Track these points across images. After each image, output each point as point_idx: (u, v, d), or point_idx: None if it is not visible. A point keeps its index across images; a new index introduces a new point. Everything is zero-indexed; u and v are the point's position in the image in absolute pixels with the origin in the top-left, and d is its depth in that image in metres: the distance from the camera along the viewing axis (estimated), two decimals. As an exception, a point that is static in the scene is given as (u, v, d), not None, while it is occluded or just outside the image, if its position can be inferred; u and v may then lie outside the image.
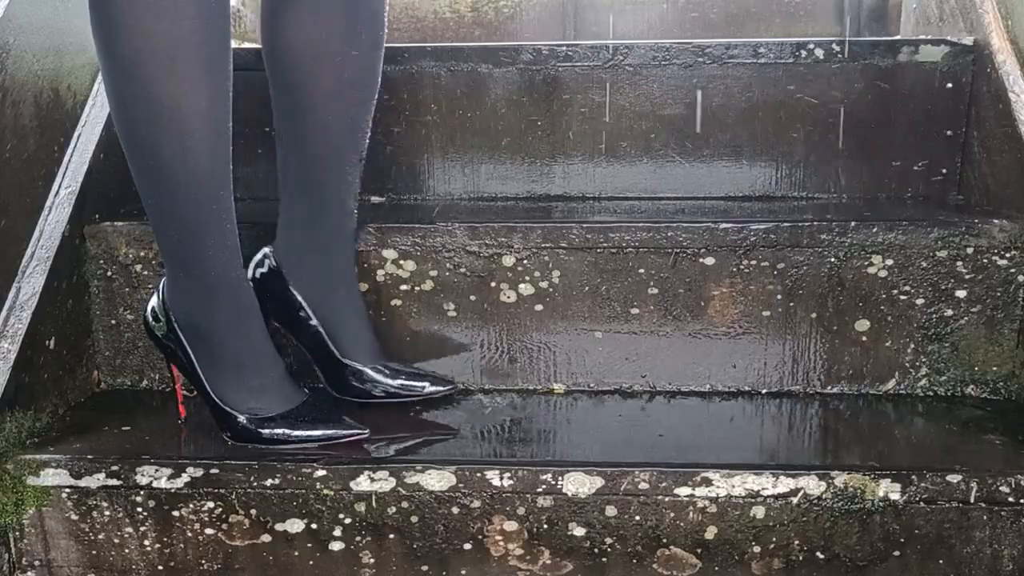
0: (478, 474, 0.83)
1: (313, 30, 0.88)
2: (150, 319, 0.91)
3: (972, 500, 0.81)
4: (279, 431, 0.87)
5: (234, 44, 1.67)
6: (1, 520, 0.86)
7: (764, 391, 1.01)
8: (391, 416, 0.95)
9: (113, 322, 1.03)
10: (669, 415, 0.96)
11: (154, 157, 0.81)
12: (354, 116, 0.92)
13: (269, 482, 0.85)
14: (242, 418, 0.87)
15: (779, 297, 0.99)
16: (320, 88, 0.90)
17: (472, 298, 1.01)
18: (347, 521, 0.86)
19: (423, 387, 0.98)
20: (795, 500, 0.82)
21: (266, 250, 0.96)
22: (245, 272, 0.89)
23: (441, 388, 0.99)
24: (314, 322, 0.95)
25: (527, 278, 1.00)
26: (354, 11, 0.90)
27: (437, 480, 0.84)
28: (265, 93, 1.20)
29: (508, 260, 0.99)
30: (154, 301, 0.91)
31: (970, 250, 0.96)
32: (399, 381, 0.97)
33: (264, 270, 0.95)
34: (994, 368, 0.99)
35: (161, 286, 0.90)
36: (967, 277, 0.97)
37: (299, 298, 0.94)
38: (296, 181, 0.93)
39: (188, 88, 0.79)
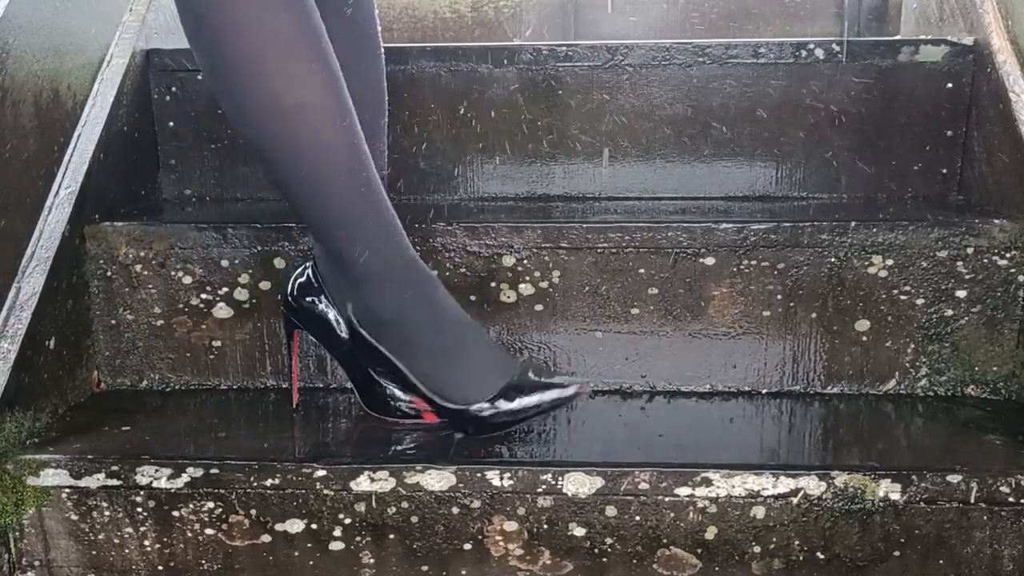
0: (478, 474, 0.83)
1: None
2: (344, 335, 0.90)
3: (972, 500, 0.81)
4: (505, 406, 0.85)
5: (234, 44, 1.66)
6: (1, 520, 0.86)
7: (764, 391, 1.01)
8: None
9: (113, 322, 1.03)
10: (669, 415, 0.96)
11: (295, 154, 0.80)
12: (367, 136, 0.91)
13: (269, 482, 0.85)
14: (481, 405, 0.85)
15: (779, 297, 0.99)
16: None
17: (472, 298, 1.01)
18: (347, 521, 0.86)
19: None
20: (795, 500, 0.82)
21: (308, 265, 0.93)
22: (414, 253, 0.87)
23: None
24: (347, 337, 0.92)
25: (527, 278, 1.00)
26: (351, 38, 0.89)
27: (437, 480, 0.84)
28: (265, 93, 1.20)
29: (508, 260, 0.99)
30: (338, 318, 0.90)
31: (970, 250, 0.96)
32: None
33: (304, 283, 0.93)
34: (994, 368, 0.99)
35: (349, 313, 0.88)
36: (967, 277, 0.97)
37: (336, 314, 0.92)
38: None
39: (313, 75, 0.79)
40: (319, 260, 0.92)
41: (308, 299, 0.92)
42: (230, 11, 0.77)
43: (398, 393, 0.92)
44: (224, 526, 0.87)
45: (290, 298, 0.92)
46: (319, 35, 0.80)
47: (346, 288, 0.88)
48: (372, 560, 0.86)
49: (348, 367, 0.93)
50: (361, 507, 0.85)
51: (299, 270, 0.93)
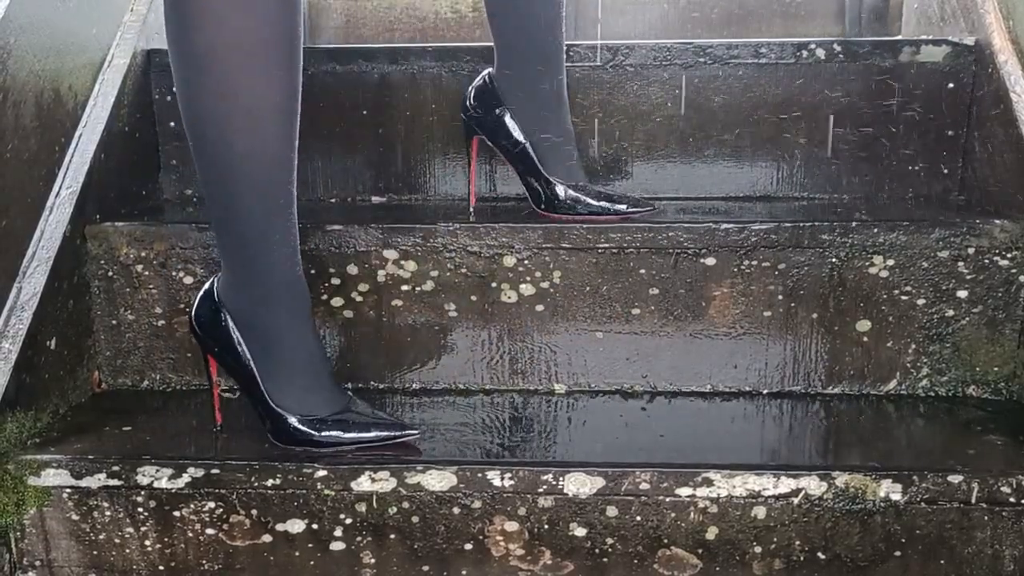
0: (479, 474, 0.83)
1: None
2: (198, 317, 0.89)
3: (973, 500, 0.81)
4: (332, 433, 0.86)
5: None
6: (2, 520, 0.86)
7: (765, 391, 1.01)
8: (391, 414, 0.95)
9: (114, 322, 1.03)
10: (670, 415, 0.96)
11: (227, 151, 0.80)
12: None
13: (270, 482, 0.85)
14: (294, 419, 0.86)
15: (780, 297, 0.99)
16: None
17: (473, 298, 1.01)
18: (348, 521, 0.86)
19: (622, 208, 1.02)
20: (796, 500, 0.82)
21: (489, 72, 1.05)
22: (301, 270, 0.87)
23: (640, 209, 1.03)
24: (523, 141, 1.03)
25: (528, 278, 1.00)
26: None
27: (438, 480, 0.84)
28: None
29: (509, 260, 0.99)
30: (202, 301, 0.89)
31: (971, 250, 0.96)
32: (601, 203, 1.02)
33: (482, 87, 1.05)
34: (995, 368, 0.98)
35: (213, 285, 0.88)
36: (968, 277, 0.97)
37: (510, 120, 1.04)
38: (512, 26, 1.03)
39: (265, 82, 0.79)
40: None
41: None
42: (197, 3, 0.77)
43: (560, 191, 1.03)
44: (225, 526, 0.87)
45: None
46: (290, 37, 0.79)
47: (229, 289, 0.87)
48: (373, 560, 0.86)
49: None
50: (362, 507, 0.85)
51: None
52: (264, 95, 0.80)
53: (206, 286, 0.89)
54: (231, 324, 0.87)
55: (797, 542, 0.84)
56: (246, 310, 0.86)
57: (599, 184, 1.09)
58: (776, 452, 0.87)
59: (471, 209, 1.09)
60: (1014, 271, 0.96)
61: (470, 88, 1.07)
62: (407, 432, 0.88)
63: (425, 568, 0.86)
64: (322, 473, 0.84)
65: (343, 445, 0.86)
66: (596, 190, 1.04)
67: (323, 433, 0.86)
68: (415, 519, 0.85)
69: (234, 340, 0.87)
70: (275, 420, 0.87)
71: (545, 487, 0.83)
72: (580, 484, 0.83)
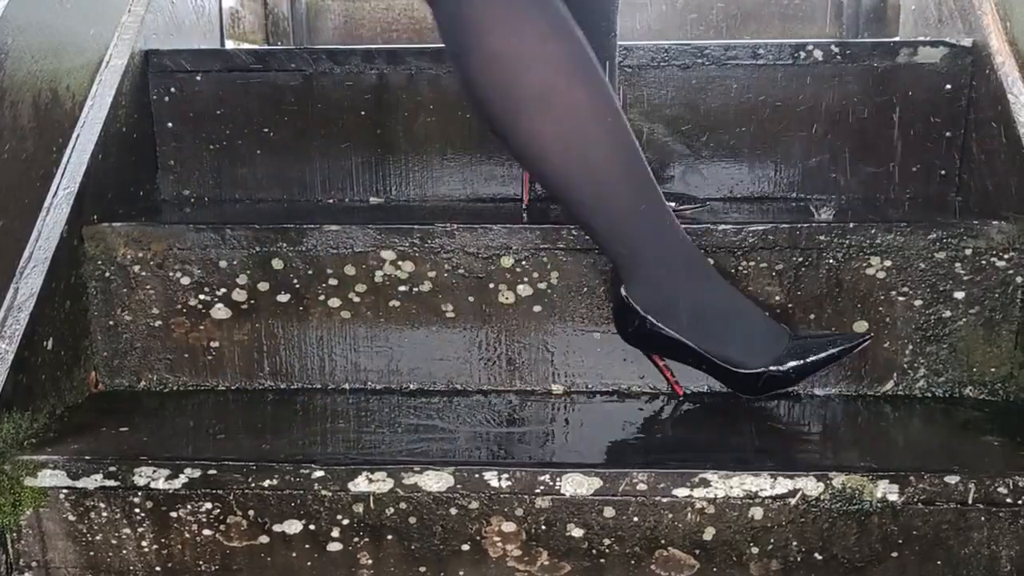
0: (476, 475, 0.83)
1: None
2: (625, 328, 0.93)
3: (970, 501, 0.81)
4: (791, 364, 0.91)
5: (233, 44, 1.67)
6: (-1, 521, 0.86)
7: (762, 392, 1.01)
8: (389, 415, 0.95)
9: (111, 323, 1.03)
10: (667, 416, 0.96)
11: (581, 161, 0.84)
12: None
13: (267, 483, 0.85)
14: (748, 371, 0.91)
15: (777, 298, 0.99)
16: None
17: (470, 299, 1.01)
18: (345, 522, 0.86)
19: (671, 205, 1.01)
20: (793, 501, 0.82)
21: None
22: (683, 232, 0.90)
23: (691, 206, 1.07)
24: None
25: (525, 279, 1.00)
26: None
27: (435, 481, 0.84)
28: (264, 93, 1.21)
29: (507, 261, 0.99)
30: (619, 312, 0.93)
31: (968, 251, 0.96)
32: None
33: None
34: (992, 369, 0.99)
35: (621, 292, 0.91)
36: (965, 278, 0.97)
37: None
38: None
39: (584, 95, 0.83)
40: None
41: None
42: (480, 8, 0.82)
43: None
44: (222, 527, 0.86)
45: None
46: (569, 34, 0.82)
47: (630, 277, 0.91)
48: (370, 561, 0.86)
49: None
50: (359, 508, 0.85)
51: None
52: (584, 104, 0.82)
53: (616, 300, 0.93)
54: (651, 320, 0.90)
55: (794, 543, 0.84)
56: (656, 290, 0.89)
57: None
58: (773, 452, 0.87)
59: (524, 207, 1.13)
60: (1011, 272, 0.96)
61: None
62: (860, 340, 0.92)
63: (422, 569, 0.86)
64: (319, 474, 0.84)
65: (807, 372, 0.91)
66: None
67: (785, 366, 0.90)
68: (412, 520, 0.85)
69: (663, 333, 0.90)
70: (735, 379, 0.91)
71: (542, 488, 0.83)
72: (577, 485, 0.83)
